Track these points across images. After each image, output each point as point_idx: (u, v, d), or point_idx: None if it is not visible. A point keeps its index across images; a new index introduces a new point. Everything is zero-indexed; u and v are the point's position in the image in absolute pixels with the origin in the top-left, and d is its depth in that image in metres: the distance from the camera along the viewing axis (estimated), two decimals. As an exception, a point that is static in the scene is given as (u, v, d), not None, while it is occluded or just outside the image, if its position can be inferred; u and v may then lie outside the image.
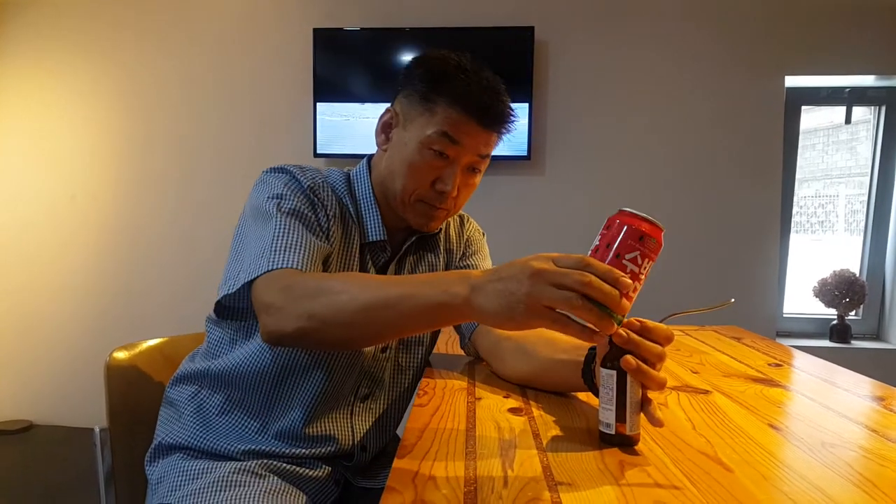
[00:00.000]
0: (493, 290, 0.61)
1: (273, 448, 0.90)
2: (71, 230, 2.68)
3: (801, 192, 2.71)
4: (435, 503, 0.53)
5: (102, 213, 2.66)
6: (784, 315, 2.65)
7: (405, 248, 1.00)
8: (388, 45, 2.49)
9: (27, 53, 2.64)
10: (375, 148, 0.99)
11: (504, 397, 0.86)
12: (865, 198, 2.62)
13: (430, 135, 0.88)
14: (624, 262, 0.61)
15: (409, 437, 0.69)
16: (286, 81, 2.57)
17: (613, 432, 0.66)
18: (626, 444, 0.66)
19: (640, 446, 0.66)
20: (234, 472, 0.85)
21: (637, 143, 2.50)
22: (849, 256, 2.65)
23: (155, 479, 0.92)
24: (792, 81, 2.46)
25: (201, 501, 0.81)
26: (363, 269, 0.96)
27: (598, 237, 0.64)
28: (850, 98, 2.55)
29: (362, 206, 0.97)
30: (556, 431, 0.72)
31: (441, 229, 1.06)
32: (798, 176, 2.62)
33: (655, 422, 0.66)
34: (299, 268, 0.79)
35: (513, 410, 0.80)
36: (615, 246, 0.62)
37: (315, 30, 2.48)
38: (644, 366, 0.63)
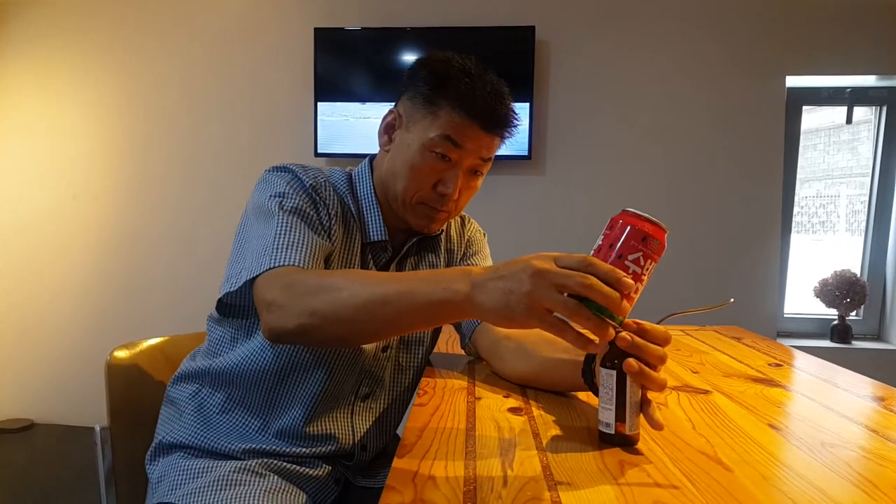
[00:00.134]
0: (494, 288, 0.61)
1: (273, 447, 0.90)
2: (72, 230, 2.68)
3: (803, 192, 2.71)
4: (434, 502, 0.53)
5: (103, 213, 2.67)
6: (785, 315, 2.65)
7: (406, 248, 1.00)
8: (389, 44, 2.49)
9: (27, 53, 2.65)
10: (377, 148, 0.99)
11: (504, 397, 0.86)
12: (867, 198, 2.62)
13: (433, 138, 0.88)
14: (626, 262, 0.61)
15: (409, 436, 0.69)
16: (287, 81, 2.58)
17: (613, 432, 0.66)
18: (625, 443, 0.66)
19: (639, 446, 0.66)
20: (234, 471, 0.85)
21: (638, 143, 2.50)
22: (850, 257, 2.65)
23: (155, 477, 0.92)
24: (793, 81, 2.46)
25: (202, 500, 0.81)
26: (364, 268, 0.96)
27: (601, 237, 0.64)
28: (852, 98, 2.54)
29: (364, 205, 0.97)
30: (555, 431, 0.72)
31: (442, 230, 1.06)
32: (799, 176, 2.61)
33: (655, 424, 0.66)
34: (301, 265, 0.79)
35: (513, 410, 0.80)
36: (618, 246, 0.61)
37: (316, 29, 2.48)
38: (646, 368, 0.63)
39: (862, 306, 2.57)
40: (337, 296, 0.71)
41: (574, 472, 0.60)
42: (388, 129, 0.96)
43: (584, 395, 0.86)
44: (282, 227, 0.83)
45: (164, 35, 2.62)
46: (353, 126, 2.49)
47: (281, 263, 0.78)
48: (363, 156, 1.03)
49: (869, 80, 2.49)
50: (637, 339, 0.64)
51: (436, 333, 1.08)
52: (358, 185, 0.98)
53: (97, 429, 1.00)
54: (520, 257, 0.61)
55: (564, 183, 2.52)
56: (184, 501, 0.82)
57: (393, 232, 0.98)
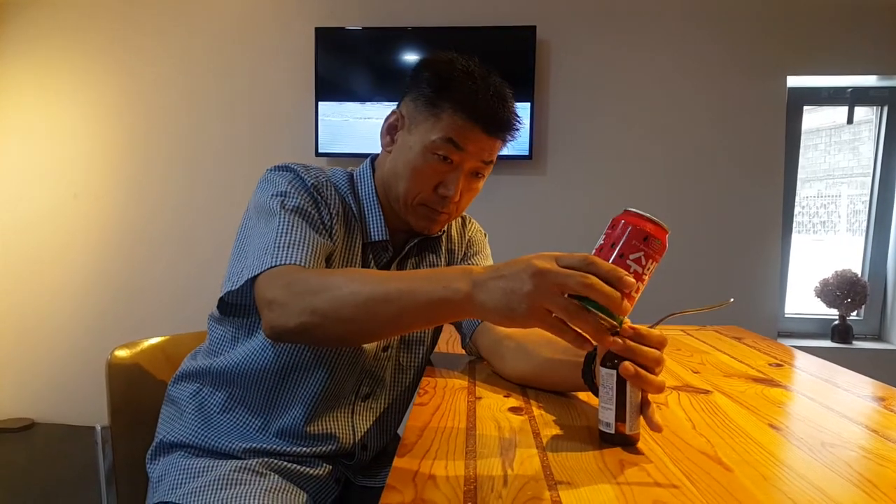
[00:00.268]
0: (495, 287, 0.61)
1: (274, 446, 0.90)
2: (72, 229, 2.68)
3: (803, 192, 2.71)
4: (435, 502, 0.53)
5: (104, 213, 2.67)
6: (785, 315, 2.65)
7: (407, 248, 1.00)
8: (390, 44, 2.49)
9: (27, 53, 2.65)
10: (378, 148, 0.99)
11: (504, 397, 0.86)
12: (867, 198, 2.62)
13: (435, 140, 0.88)
14: (628, 262, 0.61)
15: (409, 435, 0.69)
16: (288, 81, 2.58)
17: (613, 431, 0.66)
18: (625, 443, 0.66)
19: (640, 445, 0.66)
20: (235, 471, 0.85)
21: (639, 143, 2.50)
22: (850, 257, 2.65)
23: (156, 477, 0.92)
24: (794, 81, 2.46)
25: (202, 499, 0.81)
26: (365, 268, 0.96)
27: (603, 237, 0.64)
28: (853, 98, 2.54)
29: (365, 205, 0.97)
30: (556, 431, 0.72)
31: (443, 230, 1.06)
32: (800, 176, 2.61)
33: (654, 426, 0.66)
34: (302, 264, 0.79)
35: (513, 410, 0.80)
36: (619, 246, 0.62)
37: (317, 29, 2.48)
38: (642, 371, 0.63)
39: (863, 306, 2.57)
40: (338, 294, 0.71)
41: (574, 471, 0.60)
42: (391, 130, 0.96)
43: (585, 395, 0.86)
44: (283, 226, 0.83)
45: (164, 35, 2.62)
46: (354, 126, 2.49)
47: (282, 262, 0.79)
48: (364, 156, 1.04)
49: (870, 80, 2.49)
50: (630, 343, 0.64)
51: (436, 333, 1.08)
52: (359, 185, 0.98)
53: (98, 428, 1.00)
54: (521, 257, 0.61)
55: (565, 183, 2.52)
56: (184, 500, 0.83)
57: (394, 232, 0.98)
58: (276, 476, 0.87)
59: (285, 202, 0.86)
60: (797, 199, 2.63)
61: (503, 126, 0.90)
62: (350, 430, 0.95)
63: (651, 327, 0.67)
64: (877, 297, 2.59)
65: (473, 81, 0.88)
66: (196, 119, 2.63)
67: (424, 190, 0.91)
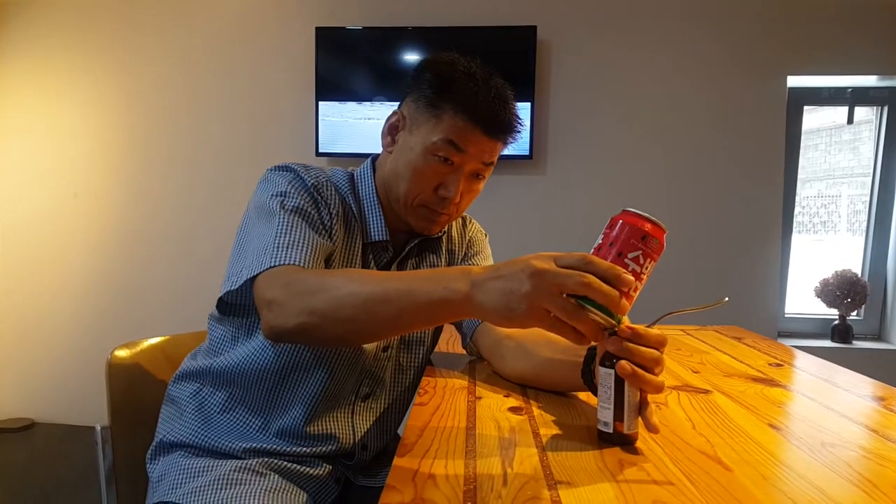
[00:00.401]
0: (494, 288, 0.61)
1: (274, 446, 0.90)
2: (72, 229, 2.68)
3: (804, 192, 2.71)
4: (434, 501, 0.53)
5: (104, 213, 2.67)
6: (785, 315, 2.65)
7: (407, 249, 1.00)
8: (391, 44, 2.49)
9: (27, 53, 2.65)
10: (378, 148, 0.99)
11: (504, 396, 0.86)
12: (868, 198, 2.62)
13: (436, 141, 0.88)
14: (626, 260, 0.61)
15: (409, 435, 0.69)
16: (288, 80, 2.58)
17: (611, 431, 0.66)
18: (624, 442, 0.66)
19: (639, 445, 0.66)
20: (235, 471, 0.85)
21: (639, 143, 2.50)
22: (851, 257, 2.65)
23: (156, 476, 0.92)
24: (794, 81, 2.46)
25: (202, 499, 0.81)
26: (365, 268, 0.96)
27: (601, 236, 0.64)
28: (853, 98, 2.54)
29: (365, 206, 0.97)
30: (555, 430, 0.72)
31: (443, 231, 1.06)
32: (800, 176, 2.61)
33: (651, 427, 0.65)
34: (301, 265, 0.79)
35: (513, 409, 0.80)
36: (618, 245, 0.62)
37: (317, 28, 2.48)
38: (640, 371, 0.63)
39: (863, 306, 2.57)
40: (336, 295, 0.71)
41: (574, 471, 0.60)
42: (392, 131, 0.96)
43: (584, 395, 0.86)
44: (283, 226, 0.83)
45: (164, 34, 2.62)
46: (355, 126, 2.49)
47: (281, 262, 0.79)
48: (364, 156, 1.04)
49: (870, 80, 2.49)
50: (627, 343, 0.64)
51: (437, 333, 1.08)
52: (360, 185, 0.98)
53: (98, 428, 1.00)
54: (520, 257, 0.61)
55: (565, 182, 2.53)
56: (184, 500, 0.83)
57: (394, 232, 0.98)
58: (276, 476, 0.87)
59: (285, 202, 0.86)
60: (797, 199, 2.63)
61: (504, 128, 0.90)
62: (350, 431, 0.95)
63: (649, 327, 0.67)
64: (877, 297, 2.59)
65: (475, 83, 0.88)
66: (196, 119, 2.63)
67: (425, 191, 0.91)
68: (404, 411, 1.04)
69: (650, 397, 0.68)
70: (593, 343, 0.72)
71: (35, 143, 2.68)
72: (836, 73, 2.46)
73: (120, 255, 2.68)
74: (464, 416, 0.76)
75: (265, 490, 0.82)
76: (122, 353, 1.05)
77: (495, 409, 0.80)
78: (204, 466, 0.87)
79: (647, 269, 0.62)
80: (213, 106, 2.62)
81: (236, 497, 0.80)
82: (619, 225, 0.63)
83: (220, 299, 0.89)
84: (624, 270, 0.59)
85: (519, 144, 2.38)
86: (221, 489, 0.82)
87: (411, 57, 2.50)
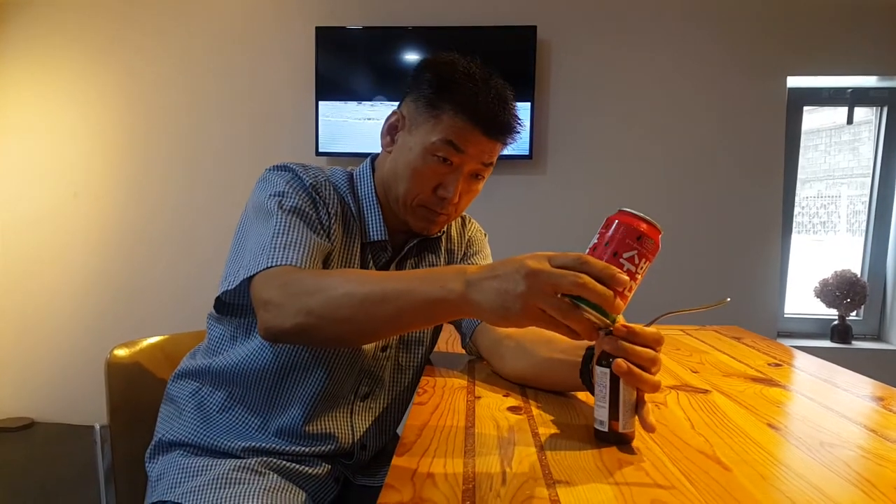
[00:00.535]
0: (489, 288, 0.61)
1: (273, 445, 0.90)
2: (72, 229, 2.68)
3: (803, 192, 2.71)
4: (433, 500, 0.53)
5: (104, 212, 2.67)
6: (785, 315, 2.65)
7: (406, 248, 1.00)
8: (391, 43, 2.49)
9: (27, 52, 2.65)
10: (378, 147, 0.99)
11: (503, 396, 0.86)
12: (867, 198, 2.62)
13: (435, 142, 0.88)
14: (621, 260, 0.61)
15: (408, 434, 0.69)
16: (288, 80, 2.58)
17: (607, 429, 0.66)
18: (620, 441, 0.66)
19: (638, 445, 0.66)
20: (234, 470, 0.85)
21: (639, 143, 2.50)
22: (850, 257, 2.65)
23: (155, 475, 0.92)
24: (794, 82, 2.46)
25: (201, 498, 0.81)
26: (364, 268, 0.96)
27: (597, 235, 0.64)
28: (853, 98, 2.54)
29: (364, 205, 0.97)
30: (554, 430, 0.72)
31: (442, 230, 1.06)
32: (800, 176, 2.61)
33: (647, 427, 0.65)
34: (299, 265, 0.79)
35: (512, 409, 0.80)
36: (613, 244, 0.62)
37: (317, 28, 2.48)
38: (636, 370, 0.63)
39: (862, 306, 2.57)
40: (333, 295, 0.71)
41: (572, 470, 0.60)
42: (391, 131, 0.96)
43: (583, 395, 0.86)
44: (280, 226, 0.83)
45: (164, 34, 2.62)
46: (355, 125, 2.49)
47: (278, 263, 0.79)
48: (364, 155, 1.03)
49: (870, 81, 2.49)
50: (622, 342, 0.64)
51: (436, 333, 1.08)
52: (359, 184, 0.98)
53: (97, 427, 1.00)
54: (515, 256, 0.61)
55: (565, 182, 2.53)
56: (183, 499, 0.83)
57: (393, 232, 0.98)
58: (275, 475, 0.87)
59: (283, 202, 0.86)
60: (797, 199, 2.63)
61: (503, 129, 0.90)
62: (349, 430, 0.95)
63: (647, 326, 0.67)
64: (876, 298, 2.60)
65: (474, 83, 0.88)
66: (196, 119, 2.63)
67: (424, 191, 0.91)
68: (403, 411, 1.04)
69: (648, 396, 0.68)
70: (592, 342, 0.72)
71: (35, 143, 2.68)
72: (835, 74, 2.46)
73: (120, 255, 2.68)
74: (463, 416, 0.76)
75: (264, 489, 0.82)
76: (121, 353, 1.05)
77: (494, 408, 0.80)
78: (203, 465, 0.87)
79: (642, 269, 0.62)
80: (213, 106, 2.62)
81: (235, 496, 0.80)
82: (614, 225, 0.63)
83: (218, 299, 0.89)
84: (619, 270, 0.59)
85: (519, 144, 2.38)
86: (220, 488, 0.82)
87: (411, 57, 2.50)
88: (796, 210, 2.63)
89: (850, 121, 2.56)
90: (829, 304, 2.52)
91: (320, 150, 2.49)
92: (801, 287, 2.64)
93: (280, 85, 2.59)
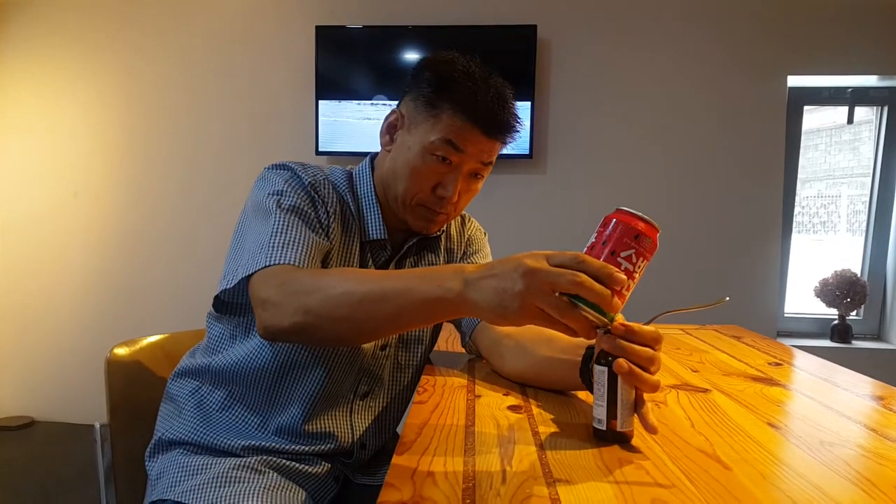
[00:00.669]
0: (487, 286, 0.62)
1: (273, 444, 0.90)
2: (72, 228, 2.68)
3: (804, 192, 2.71)
4: (433, 499, 0.53)
5: (104, 211, 2.67)
6: (785, 315, 2.65)
7: (406, 247, 1.00)
8: (391, 43, 2.49)
9: (27, 52, 2.65)
10: (378, 146, 0.99)
11: (503, 395, 0.86)
12: (867, 198, 2.62)
13: (434, 141, 0.88)
14: (619, 259, 0.61)
15: (408, 433, 0.69)
16: (288, 79, 2.58)
17: (605, 428, 0.66)
18: (618, 440, 0.66)
19: (638, 444, 0.66)
20: (233, 468, 0.85)
21: (639, 143, 2.50)
22: (850, 257, 2.65)
23: (155, 474, 0.92)
24: (794, 81, 2.46)
25: (201, 497, 0.81)
26: (363, 266, 0.96)
27: (595, 234, 0.64)
28: (853, 98, 2.54)
29: (363, 204, 0.97)
30: (554, 429, 0.72)
31: (442, 230, 1.06)
32: (800, 176, 2.61)
33: (648, 427, 0.65)
34: (297, 264, 0.79)
35: (512, 408, 0.80)
36: (611, 243, 0.62)
37: (317, 27, 2.48)
38: (636, 369, 0.63)
39: (862, 306, 2.57)
40: (332, 294, 0.71)
41: (572, 469, 0.60)
42: (390, 129, 0.96)
43: (583, 394, 0.86)
44: (279, 225, 0.83)
45: (164, 33, 2.62)
46: (355, 124, 2.49)
47: (277, 262, 0.79)
48: (364, 154, 1.03)
49: (870, 80, 2.49)
50: (621, 341, 0.64)
51: (436, 332, 1.08)
52: (358, 183, 0.98)
53: (97, 426, 1.00)
54: (513, 255, 0.61)
55: (565, 182, 2.52)
56: (183, 498, 0.83)
57: (392, 231, 0.98)
58: (275, 474, 0.87)
59: (281, 201, 0.86)
60: (797, 199, 2.63)
61: (503, 128, 0.90)
62: (349, 429, 0.95)
63: (645, 325, 0.67)
64: (876, 297, 2.60)
65: (473, 82, 0.87)
66: (196, 119, 2.63)
67: (423, 190, 0.91)
68: (403, 410, 1.04)
69: (648, 396, 0.68)
70: (592, 341, 0.72)
71: (35, 142, 2.67)
72: (836, 73, 2.46)
73: (120, 255, 2.68)
74: (463, 415, 0.76)
75: (264, 488, 0.82)
76: (121, 351, 1.05)
77: (494, 407, 0.80)
78: (203, 464, 0.87)
79: (639, 267, 0.62)
80: (213, 105, 2.62)
81: (235, 495, 0.80)
82: (612, 223, 0.63)
83: (217, 298, 0.89)
84: (616, 269, 0.59)
85: (519, 144, 2.40)
86: (220, 487, 0.82)
87: (411, 56, 2.50)
88: (796, 210, 2.63)
89: (850, 120, 2.56)
90: (829, 304, 2.52)
91: (320, 149, 2.49)
92: (801, 287, 2.64)
93: (280, 84, 2.59)
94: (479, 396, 0.85)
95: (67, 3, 2.62)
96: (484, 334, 1.02)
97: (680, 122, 2.48)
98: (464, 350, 1.12)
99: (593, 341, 0.70)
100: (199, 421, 0.92)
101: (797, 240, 2.64)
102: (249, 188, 0.94)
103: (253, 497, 0.80)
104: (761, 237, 2.48)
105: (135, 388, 1.05)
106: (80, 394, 2.64)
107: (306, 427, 0.91)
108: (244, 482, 0.83)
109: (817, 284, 2.54)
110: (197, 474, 0.86)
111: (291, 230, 0.83)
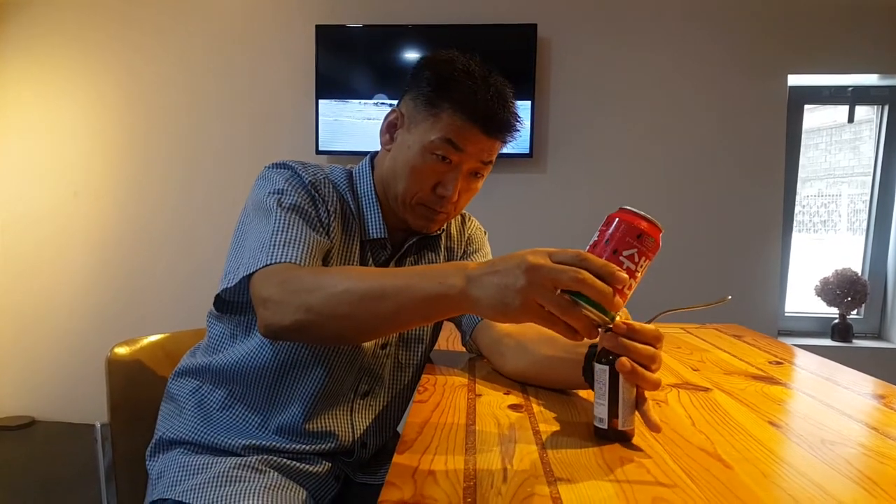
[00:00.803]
0: (489, 283, 0.61)
1: (273, 443, 0.90)
2: (73, 227, 2.68)
3: (804, 191, 2.71)
4: (434, 498, 0.53)
5: (104, 211, 2.67)
6: (786, 314, 2.65)
7: (406, 246, 1.00)
8: (391, 42, 2.49)
9: (27, 51, 2.65)
10: (378, 146, 0.99)
11: (504, 394, 0.86)
12: (868, 197, 2.62)
13: (434, 140, 0.88)
14: (621, 258, 0.61)
15: (409, 432, 0.69)
16: (288, 78, 2.58)
17: (607, 426, 0.66)
18: (619, 438, 0.66)
19: (639, 442, 0.66)
20: (234, 468, 0.85)
21: (639, 142, 2.50)
22: (851, 255, 2.65)
23: (155, 473, 0.92)
24: (795, 80, 2.46)
25: (202, 496, 0.81)
26: (363, 265, 0.96)
27: (597, 233, 0.64)
28: (853, 97, 2.54)
29: (363, 203, 0.97)
30: (555, 427, 0.72)
31: (442, 229, 1.06)
32: (801, 175, 2.61)
33: (651, 426, 0.65)
34: (298, 262, 0.79)
35: (513, 407, 0.80)
36: (613, 242, 0.62)
37: (317, 26, 2.48)
38: (638, 367, 0.63)
39: (863, 305, 2.57)
40: (332, 292, 0.71)
41: (573, 468, 0.59)
42: (390, 129, 0.96)
43: (584, 393, 0.86)
44: (279, 224, 0.83)
45: (164, 33, 2.62)
46: (355, 124, 2.49)
47: (277, 260, 0.79)
48: (364, 153, 1.03)
49: (871, 80, 2.49)
50: (622, 339, 0.64)
51: (436, 331, 1.08)
52: (358, 182, 0.98)
53: (97, 425, 1.00)
54: (515, 252, 0.61)
55: (565, 181, 2.52)
56: (184, 497, 0.82)
57: (393, 230, 0.98)
58: (276, 473, 0.87)
59: (282, 200, 0.86)
60: (798, 198, 2.63)
61: (503, 127, 0.89)
62: (349, 428, 0.95)
63: (647, 323, 0.67)
64: (877, 296, 2.59)
65: (473, 81, 0.87)
66: (195, 117, 2.63)
67: (423, 189, 0.91)
68: (404, 409, 1.04)
69: (649, 394, 0.68)
70: (594, 341, 0.72)
71: (35, 142, 2.67)
72: (836, 72, 2.46)
73: (120, 254, 2.68)
74: (463, 413, 0.76)
75: (264, 487, 0.82)
76: (121, 351, 1.05)
77: (495, 406, 0.80)
78: (203, 463, 0.87)
79: (642, 267, 0.62)
80: (213, 105, 2.62)
81: (236, 494, 0.80)
82: (615, 222, 0.63)
83: (218, 297, 0.89)
84: (618, 268, 0.59)
85: (519, 143, 2.40)
86: (221, 486, 0.82)
87: (411, 55, 2.50)
88: (797, 209, 2.63)
89: (850, 119, 2.56)
90: (830, 303, 2.52)
91: (320, 148, 2.49)
92: (801, 286, 2.63)
93: (280, 84, 2.59)
94: (480, 395, 0.85)
95: (67, 2, 2.62)
96: (485, 333, 1.02)
97: (680, 122, 2.48)
98: (464, 349, 1.12)
99: (595, 340, 0.70)
100: (199, 420, 0.92)
101: (798, 239, 2.64)
102: (249, 188, 0.94)
103: (253, 496, 0.80)
104: (762, 236, 2.48)
105: (135, 388, 1.05)
106: (80, 393, 2.64)
107: (307, 426, 0.91)
108: (245, 481, 0.83)
109: (818, 283, 2.54)
110: (197, 474, 0.86)
111: (292, 229, 0.83)
